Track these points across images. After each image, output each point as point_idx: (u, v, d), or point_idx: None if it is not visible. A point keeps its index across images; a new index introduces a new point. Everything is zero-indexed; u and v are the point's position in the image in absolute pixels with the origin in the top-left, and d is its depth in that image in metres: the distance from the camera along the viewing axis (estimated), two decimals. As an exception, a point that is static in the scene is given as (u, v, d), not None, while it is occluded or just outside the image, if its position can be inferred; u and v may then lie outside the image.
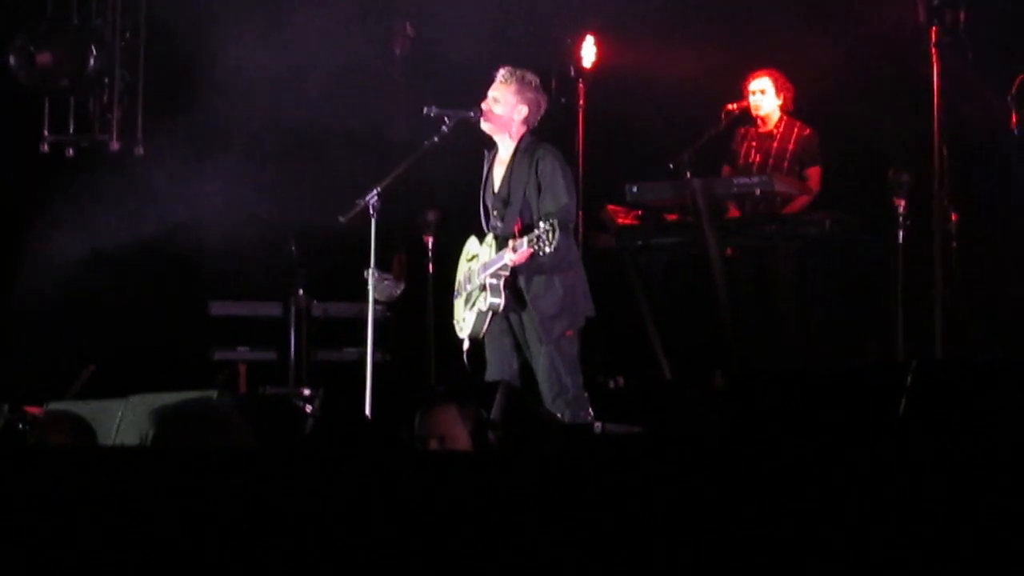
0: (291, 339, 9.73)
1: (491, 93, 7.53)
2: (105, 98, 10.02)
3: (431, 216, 8.90)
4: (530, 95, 7.51)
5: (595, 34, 9.50)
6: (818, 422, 5.06)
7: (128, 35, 10.04)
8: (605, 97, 9.39)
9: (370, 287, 7.61)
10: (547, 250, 6.91)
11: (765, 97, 9.26)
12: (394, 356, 9.48)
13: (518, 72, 7.53)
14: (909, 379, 4.87)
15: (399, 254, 9.59)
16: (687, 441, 5.92)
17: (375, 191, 7.47)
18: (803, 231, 8.85)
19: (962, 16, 8.35)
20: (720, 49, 9.54)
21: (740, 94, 9.30)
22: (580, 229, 8.29)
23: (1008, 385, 4.95)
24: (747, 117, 9.37)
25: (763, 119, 9.32)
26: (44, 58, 9.79)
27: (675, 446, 5.55)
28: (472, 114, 7.53)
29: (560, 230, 6.92)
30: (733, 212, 9.22)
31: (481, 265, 7.48)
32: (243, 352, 9.83)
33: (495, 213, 7.53)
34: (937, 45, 8.29)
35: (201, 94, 9.76)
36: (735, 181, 9.10)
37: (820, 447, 4.35)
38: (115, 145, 10.01)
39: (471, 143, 7.76)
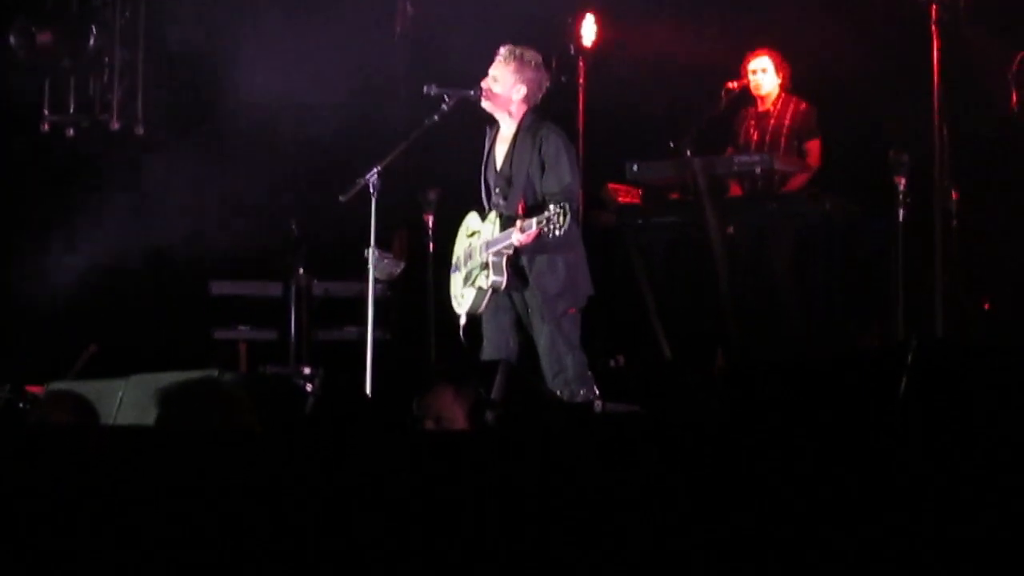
0: (291, 318, 9.71)
1: (491, 72, 7.51)
2: (105, 78, 10.01)
3: (431, 195, 8.87)
4: (530, 74, 7.48)
5: (595, 12, 9.48)
6: (818, 409, 5.06)
7: (127, 14, 10.03)
8: (606, 76, 9.38)
9: (370, 266, 7.61)
10: (557, 233, 6.89)
11: (765, 76, 9.25)
12: (394, 335, 9.47)
13: (518, 51, 7.50)
14: (910, 358, 4.87)
15: (400, 232, 9.57)
16: (686, 426, 5.92)
17: (375, 170, 7.47)
18: (803, 209, 8.86)
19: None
20: (721, 27, 9.54)
21: (740, 73, 9.29)
22: (581, 207, 8.29)
23: (1008, 365, 4.96)
24: (748, 97, 9.36)
25: (763, 98, 9.31)
26: (44, 37, 9.78)
27: (674, 429, 5.55)
28: (472, 93, 7.51)
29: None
30: (734, 190, 9.22)
31: (484, 242, 7.45)
32: (244, 331, 9.83)
33: (497, 191, 7.51)
34: (937, 23, 8.28)
35: (201, 75, 9.76)
36: (735, 159, 9.11)
37: (819, 434, 4.35)
38: (115, 124, 10.00)
39: (472, 121, 7.75)
